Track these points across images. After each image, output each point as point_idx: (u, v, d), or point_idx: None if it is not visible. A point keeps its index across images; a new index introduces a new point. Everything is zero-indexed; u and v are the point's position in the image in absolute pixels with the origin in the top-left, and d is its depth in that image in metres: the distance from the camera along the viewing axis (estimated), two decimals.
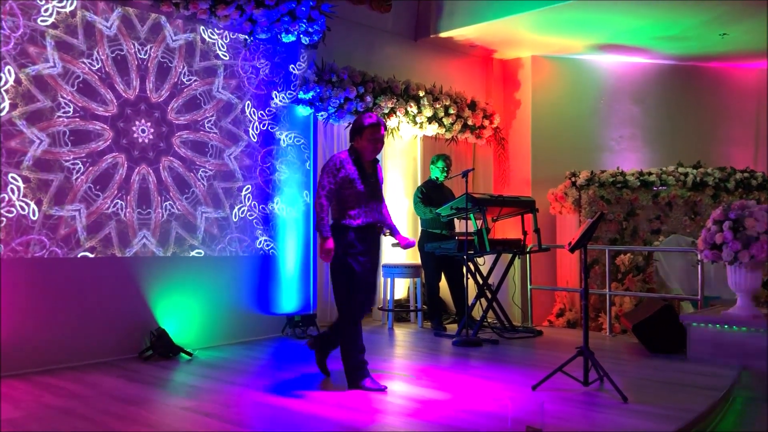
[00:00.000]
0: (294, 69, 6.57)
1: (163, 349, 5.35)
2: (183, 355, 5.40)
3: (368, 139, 4.32)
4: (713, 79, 9.34)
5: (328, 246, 4.24)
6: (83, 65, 5.15)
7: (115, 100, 5.33)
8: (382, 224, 4.50)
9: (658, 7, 7.06)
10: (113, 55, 5.33)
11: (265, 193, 6.35)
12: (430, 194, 6.90)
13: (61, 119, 5.02)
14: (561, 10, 7.13)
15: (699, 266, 6.29)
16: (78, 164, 5.11)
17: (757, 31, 7.82)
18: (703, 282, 6.32)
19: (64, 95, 5.05)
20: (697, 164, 8.40)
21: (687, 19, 7.42)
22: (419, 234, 7.14)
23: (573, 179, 8.03)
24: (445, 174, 6.93)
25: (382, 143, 4.43)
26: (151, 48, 5.56)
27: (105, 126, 5.27)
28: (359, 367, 4.32)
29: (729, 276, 5.51)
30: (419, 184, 7.51)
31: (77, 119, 5.11)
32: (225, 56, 6.07)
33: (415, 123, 7.63)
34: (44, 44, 4.95)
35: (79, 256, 5.11)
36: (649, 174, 8.06)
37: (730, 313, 5.47)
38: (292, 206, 6.56)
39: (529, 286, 7.59)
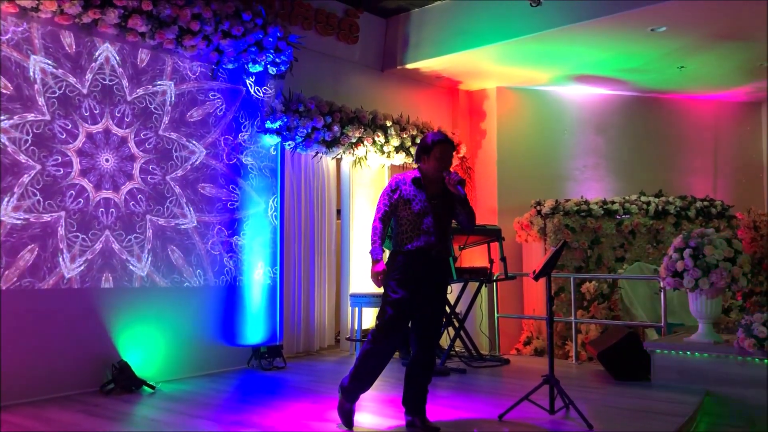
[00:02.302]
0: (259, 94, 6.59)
1: (125, 383, 5.23)
2: (146, 388, 5.29)
3: (436, 157, 4.03)
4: (673, 110, 9.59)
5: (375, 270, 4.03)
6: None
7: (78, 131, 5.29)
8: (441, 250, 4.06)
9: (619, 40, 7.26)
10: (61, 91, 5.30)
11: (230, 223, 6.31)
12: None
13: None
14: (525, 42, 7.28)
15: (662, 293, 6.39)
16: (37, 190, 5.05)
17: (713, 65, 8.08)
18: (666, 309, 6.41)
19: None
20: (659, 193, 8.57)
21: (647, 52, 7.63)
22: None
23: (538, 208, 8.13)
24: None
25: (450, 160, 4.10)
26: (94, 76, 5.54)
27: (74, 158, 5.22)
28: (352, 398, 4.15)
29: (690, 303, 5.60)
30: None
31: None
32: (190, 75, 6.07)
33: (383, 152, 7.68)
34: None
35: (36, 288, 5.01)
36: (613, 203, 8.20)
37: (692, 339, 5.55)
38: (258, 236, 6.52)
39: (496, 315, 7.61)
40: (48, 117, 5.11)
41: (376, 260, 4.04)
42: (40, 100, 5.07)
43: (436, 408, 4.55)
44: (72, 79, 5.25)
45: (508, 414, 4.33)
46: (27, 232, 4.97)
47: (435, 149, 4.04)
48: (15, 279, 4.89)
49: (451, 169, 4.11)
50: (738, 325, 5.25)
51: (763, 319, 5.06)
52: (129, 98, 5.60)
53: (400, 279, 3.99)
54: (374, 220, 4.10)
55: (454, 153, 4.08)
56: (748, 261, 5.38)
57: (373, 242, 4.05)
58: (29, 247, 4.97)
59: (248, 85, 6.51)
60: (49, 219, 5.08)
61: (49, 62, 5.13)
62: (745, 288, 5.40)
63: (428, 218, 4.01)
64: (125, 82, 5.58)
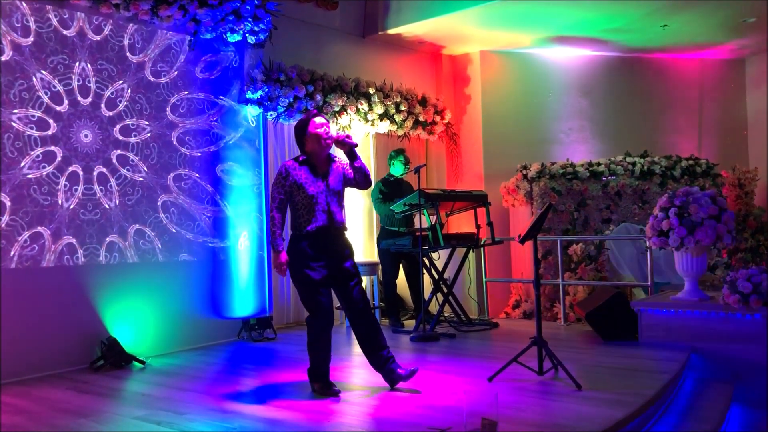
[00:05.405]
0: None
1: (114, 359, 5.23)
2: (136, 363, 5.29)
3: (314, 128, 4.18)
4: (657, 69, 9.54)
5: (280, 260, 4.13)
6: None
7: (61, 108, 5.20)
8: (338, 226, 4.23)
9: None
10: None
11: (216, 195, 6.26)
12: (391, 191, 6.89)
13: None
14: (507, 4, 7.19)
15: (648, 253, 6.42)
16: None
17: (696, 22, 8.03)
18: (652, 268, 6.45)
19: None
20: (644, 153, 8.57)
21: (630, 11, 7.55)
22: (378, 231, 7.17)
23: (524, 172, 8.11)
24: (407, 168, 6.93)
25: (327, 132, 4.20)
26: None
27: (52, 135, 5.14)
28: (316, 376, 4.25)
29: (676, 261, 5.63)
30: (374, 181, 7.48)
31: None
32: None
33: (367, 120, 7.61)
34: None
35: (14, 266, 4.96)
36: (598, 164, 8.19)
37: (678, 297, 5.60)
38: (244, 208, 6.47)
39: (484, 279, 7.64)
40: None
41: (278, 251, 4.13)
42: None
43: (426, 372, 4.58)
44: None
45: (497, 376, 4.36)
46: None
47: (309, 124, 4.19)
48: None
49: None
50: (723, 282, 5.29)
51: (747, 275, 5.10)
52: (91, 66, 5.51)
53: (308, 262, 4.10)
54: (271, 210, 4.18)
55: (328, 122, 4.23)
56: (732, 218, 5.41)
57: (273, 233, 4.16)
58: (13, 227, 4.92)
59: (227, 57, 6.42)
60: (34, 195, 5.02)
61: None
62: (730, 245, 5.43)
63: (322, 197, 4.15)
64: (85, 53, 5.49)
